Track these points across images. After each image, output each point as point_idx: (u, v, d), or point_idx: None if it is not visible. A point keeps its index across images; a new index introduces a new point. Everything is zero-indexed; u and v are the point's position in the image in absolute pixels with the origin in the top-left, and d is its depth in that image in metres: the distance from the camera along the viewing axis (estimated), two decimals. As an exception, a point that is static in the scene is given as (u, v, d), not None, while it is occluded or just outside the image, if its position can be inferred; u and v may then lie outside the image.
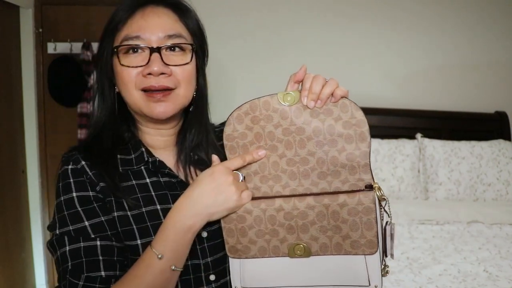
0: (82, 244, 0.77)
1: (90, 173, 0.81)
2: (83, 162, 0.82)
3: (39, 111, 2.79)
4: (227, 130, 0.78)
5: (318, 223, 0.73)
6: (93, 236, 0.78)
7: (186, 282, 0.82)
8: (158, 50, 0.81)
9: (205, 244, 0.84)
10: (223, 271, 0.85)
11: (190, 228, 0.75)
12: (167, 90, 0.82)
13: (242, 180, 0.78)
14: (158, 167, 0.86)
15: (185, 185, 0.85)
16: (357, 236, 0.71)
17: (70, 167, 0.82)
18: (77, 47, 2.70)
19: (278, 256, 0.76)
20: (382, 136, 2.74)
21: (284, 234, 0.75)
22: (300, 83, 0.77)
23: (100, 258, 0.76)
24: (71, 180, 0.81)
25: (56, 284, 0.79)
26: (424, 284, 1.63)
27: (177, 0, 0.87)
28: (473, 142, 2.66)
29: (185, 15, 0.87)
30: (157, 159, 0.87)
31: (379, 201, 0.72)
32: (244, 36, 2.90)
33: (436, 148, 2.63)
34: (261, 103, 0.76)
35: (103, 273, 0.76)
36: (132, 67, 0.81)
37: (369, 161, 0.72)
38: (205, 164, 0.88)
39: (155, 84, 0.81)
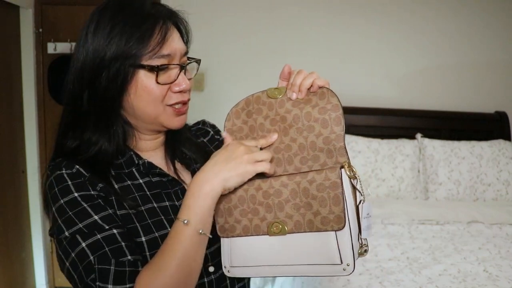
0: (99, 236, 0.75)
1: (87, 175, 0.80)
2: (77, 166, 0.81)
3: (39, 111, 2.79)
4: (227, 125, 0.86)
5: (292, 201, 0.77)
6: (107, 227, 0.76)
7: None
8: (185, 68, 0.85)
9: None
10: None
11: (208, 193, 0.77)
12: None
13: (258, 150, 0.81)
14: (148, 168, 0.87)
15: (177, 183, 0.89)
16: (326, 212, 0.74)
17: (64, 171, 0.80)
18: (77, 47, 2.70)
19: (259, 235, 0.80)
20: (382, 136, 2.74)
21: (263, 212, 0.79)
22: None
23: (123, 243, 0.76)
24: (69, 183, 0.79)
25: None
26: (424, 284, 1.63)
27: (180, 18, 0.87)
28: (473, 142, 2.66)
29: (184, 31, 0.88)
30: (146, 160, 0.88)
31: (351, 179, 0.76)
32: (245, 37, 2.90)
33: (436, 148, 2.63)
34: (254, 98, 0.84)
35: (130, 257, 0.75)
36: (166, 84, 0.82)
37: (344, 144, 0.77)
38: (191, 161, 0.93)
39: (184, 99, 0.85)
